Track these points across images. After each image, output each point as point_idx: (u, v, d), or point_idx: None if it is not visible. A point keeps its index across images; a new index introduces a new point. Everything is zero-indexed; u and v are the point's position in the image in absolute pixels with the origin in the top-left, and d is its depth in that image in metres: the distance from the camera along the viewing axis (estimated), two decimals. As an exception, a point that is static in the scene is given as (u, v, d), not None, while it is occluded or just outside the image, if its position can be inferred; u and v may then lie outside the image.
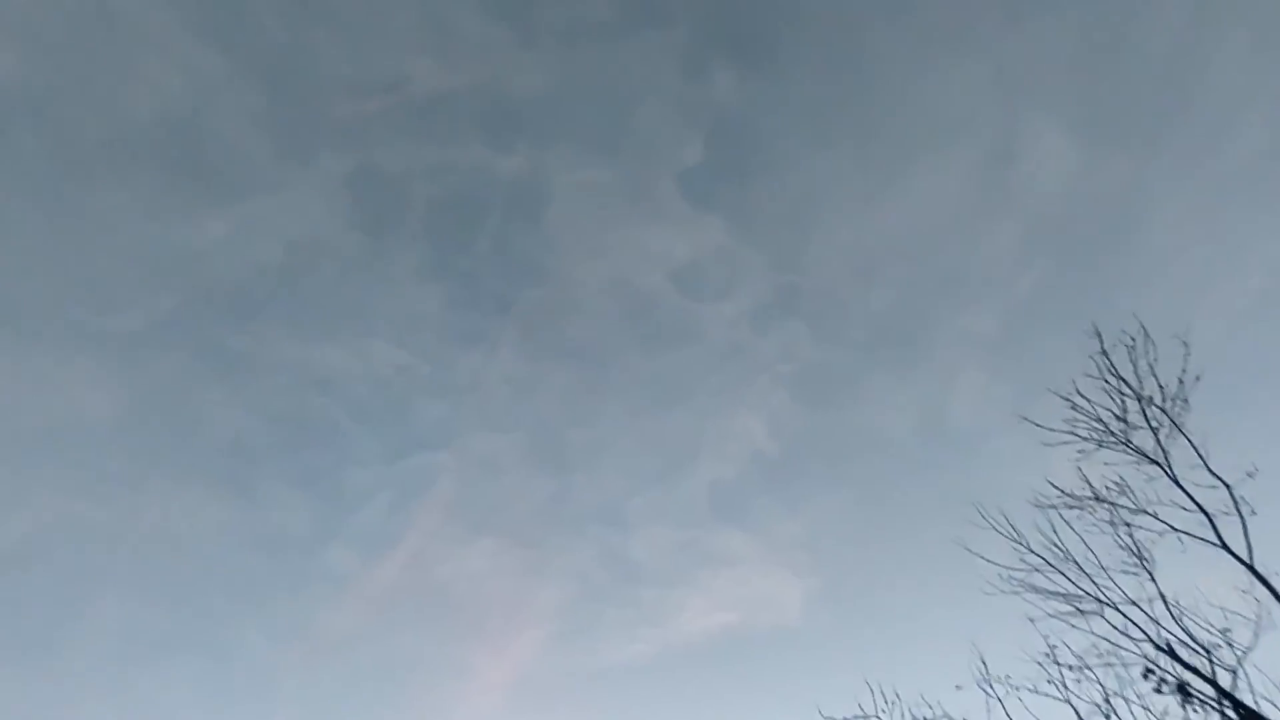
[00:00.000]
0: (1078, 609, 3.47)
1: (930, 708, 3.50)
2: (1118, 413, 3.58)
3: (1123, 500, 3.53)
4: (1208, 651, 3.25)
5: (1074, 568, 3.52)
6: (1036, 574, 3.59)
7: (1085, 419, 3.63)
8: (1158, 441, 3.47)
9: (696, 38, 7.08)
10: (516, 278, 7.10)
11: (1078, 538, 3.55)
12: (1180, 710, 3.27)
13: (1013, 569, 3.66)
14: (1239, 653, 3.23)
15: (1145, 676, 3.34)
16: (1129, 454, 3.57)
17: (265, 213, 6.42)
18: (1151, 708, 3.29)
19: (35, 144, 5.56)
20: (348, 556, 6.65)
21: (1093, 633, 3.41)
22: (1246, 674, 3.21)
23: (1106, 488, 3.56)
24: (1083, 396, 3.66)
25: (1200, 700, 3.22)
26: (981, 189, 7.91)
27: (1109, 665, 3.38)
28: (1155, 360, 3.51)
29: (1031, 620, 3.51)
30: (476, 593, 6.80)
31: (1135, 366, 3.55)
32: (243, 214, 6.39)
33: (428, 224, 6.82)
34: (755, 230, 7.49)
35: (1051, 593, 3.53)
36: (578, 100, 6.90)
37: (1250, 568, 3.25)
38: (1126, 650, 3.35)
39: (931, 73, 7.48)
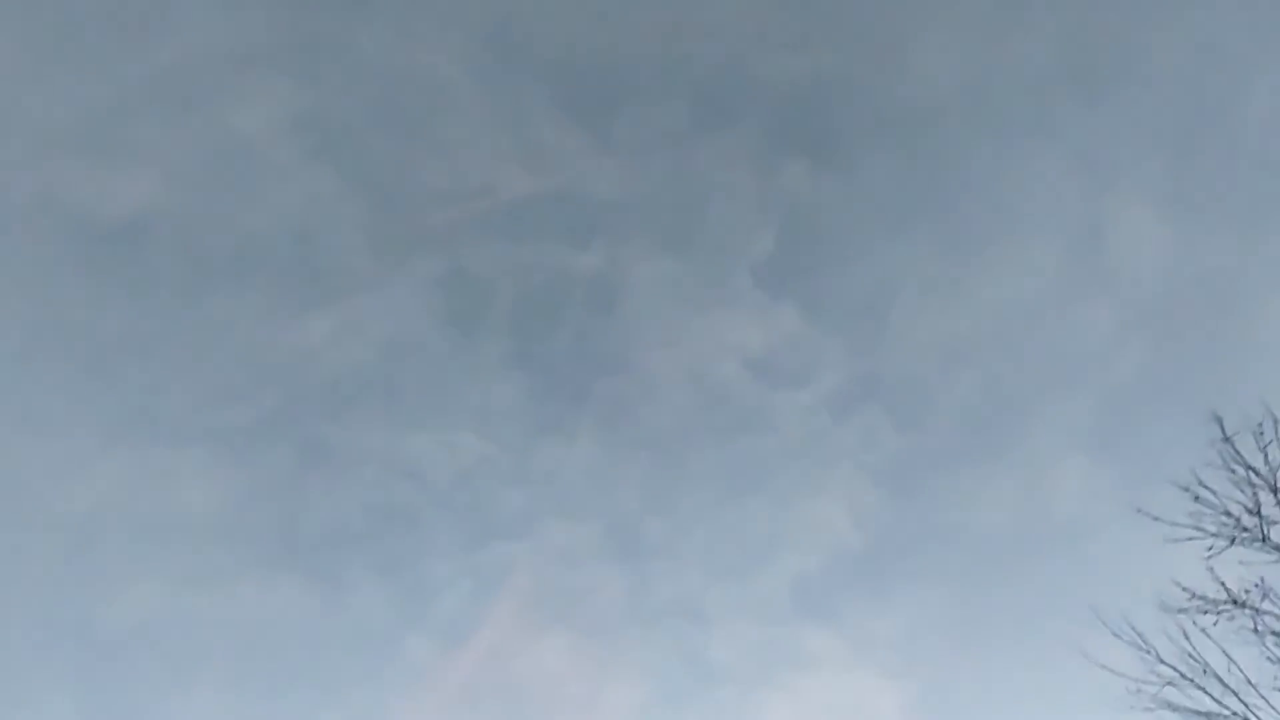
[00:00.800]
0: (1222, 730, 3.08)
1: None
2: (1249, 506, 3.23)
3: (1265, 605, 3.17)
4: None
5: (1214, 682, 3.15)
6: (1170, 688, 3.21)
7: (1212, 512, 3.27)
8: (1300, 538, 3.15)
9: (766, 135, 7.25)
10: (594, 369, 7.19)
11: (1215, 647, 3.20)
12: None
13: (1142, 681, 3.30)
14: None
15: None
16: (1268, 552, 3.24)
17: (363, 312, 6.75)
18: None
19: (169, 261, 6.06)
20: (425, 647, 6.58)
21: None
22: None
23: (1245, 590, 3.21)
24: (1206, 488, 3.32)
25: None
26: (1069, 273, 7.65)
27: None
28: (1288, 448, 3.22)
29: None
30: (551, 688, 6.57)
31: (1266, 455, 3.26)
32: (343, 314, 6.74)
33: (511, 320, 7.04)
34: (831, 318, 7.41)
35: (1190, 710, 3.15)
36: (652, 198, 7.11)
37: None
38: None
39: (1008, 157, 7.40)
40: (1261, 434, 3.19)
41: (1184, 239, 6.35)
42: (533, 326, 7.17)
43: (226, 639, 6.45)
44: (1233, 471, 3.24)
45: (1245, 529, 3.20)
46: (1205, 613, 3.18)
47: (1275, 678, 3.03)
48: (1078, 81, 7.41)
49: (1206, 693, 3.10)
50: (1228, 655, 3.11)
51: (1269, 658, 3.06)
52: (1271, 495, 3.18)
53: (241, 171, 6.00)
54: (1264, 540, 3.19)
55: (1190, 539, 3.27)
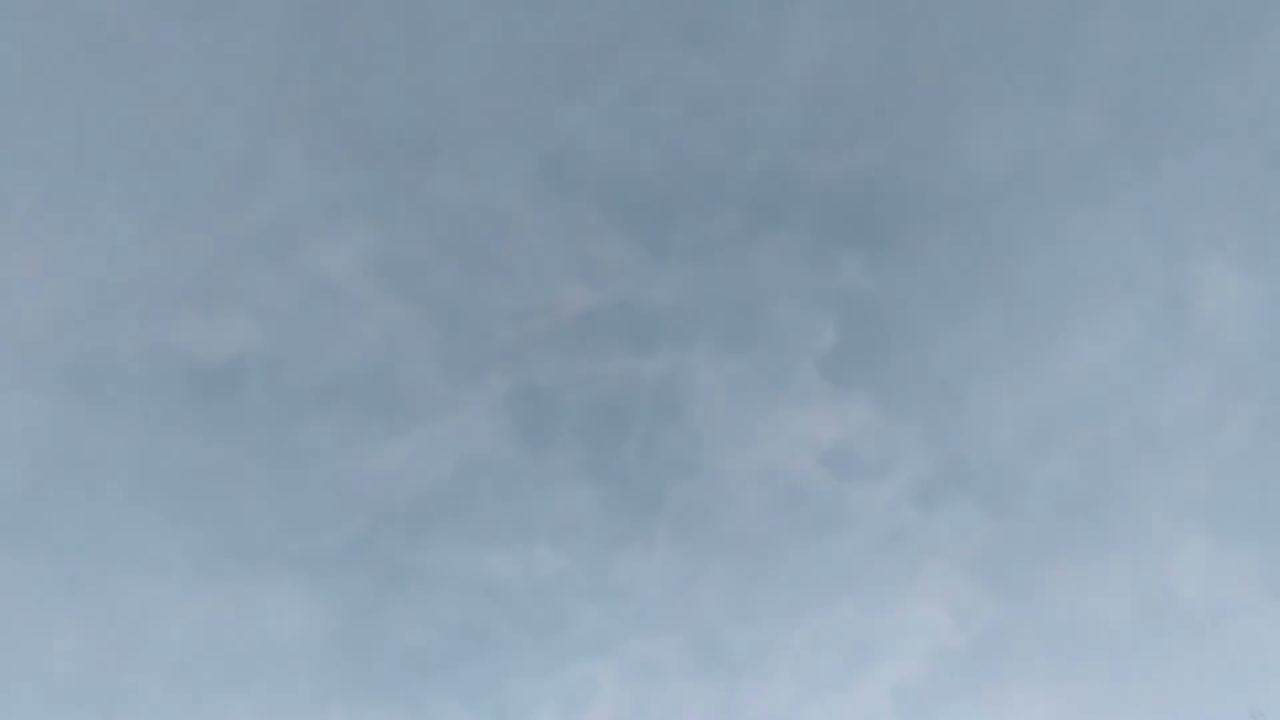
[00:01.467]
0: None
1: None
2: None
3: None
4: None
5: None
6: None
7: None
8: None
9: (820, 231, 7.37)
10: (667, 474, 7.14)
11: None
12: None
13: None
14: None
15: None
16: None
17: (439, 434, 7.00)
18: None
19: (263, 397, 6.54)
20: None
21: None
22: None
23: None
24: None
25: None
26: (1155, 339, 7.24)
27: None
28: None
29: None
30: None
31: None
32: (420, 436, 7.01)
33: (581, 431, 7.14)
34: (904, 405, 7.18)
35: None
36: (711, 301, 7.25)
37: None
38: None
39: (1072, 228, 7.23)
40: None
41: (1272, 290, 5.94)
42: (603, 436, 7.25)
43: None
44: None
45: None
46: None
47: None
48: (1133, 147, 7.29)
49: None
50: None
51: None
52: None
53: (327, 310, 6.51)
54: None
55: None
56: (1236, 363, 6.58)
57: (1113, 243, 6.90)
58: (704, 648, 7.07)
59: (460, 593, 6.97)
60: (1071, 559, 6.63)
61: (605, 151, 6.83)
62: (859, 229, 7.61)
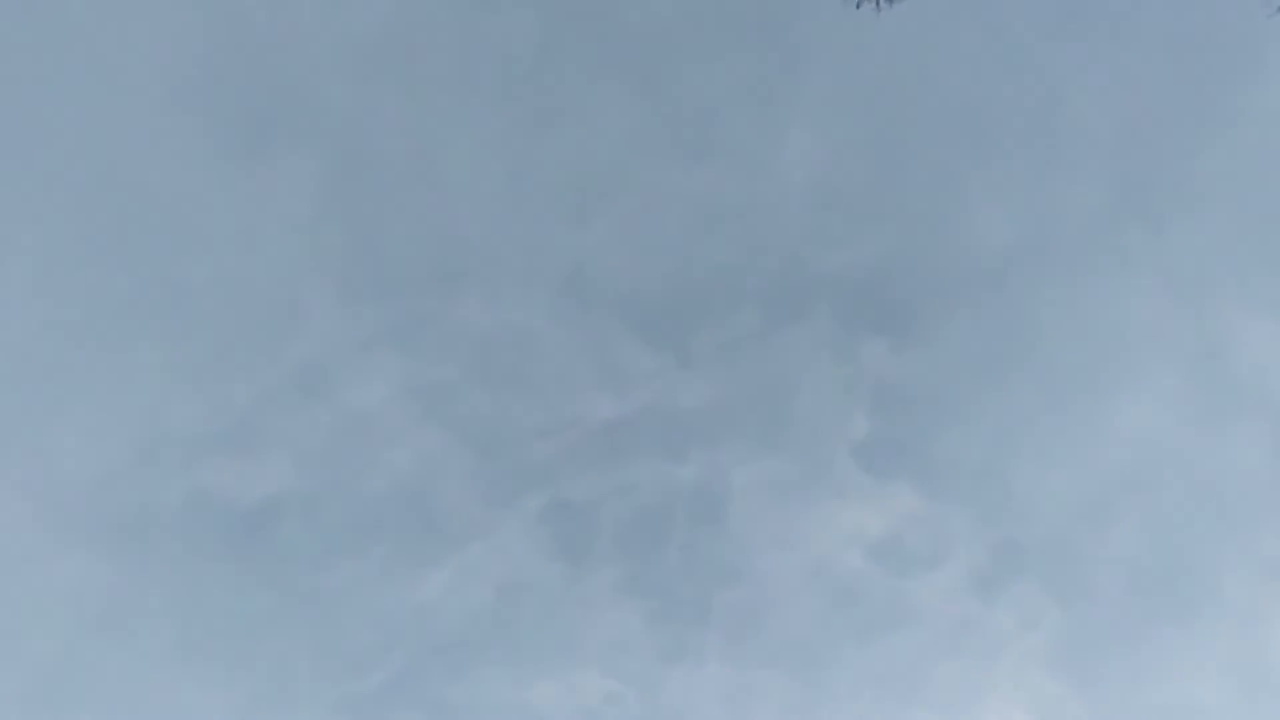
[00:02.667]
0: None
1: None
2: None
3: None
4: None
5: None
6: None
7: None
8: None
9: (839, 322, 7.38)
10: (710, 582, 6.88)
11: None
12: None
13: None
14: None
15: None
16: None
17: (477, 559, 6.87)
18: None
19: (299, 535, 6.52)
20: None
21: None
22: None
23: None
24: None
25: None
26: (1198, 396, 6.99)
27: None
28: None
29: None
30: None
31: None
32: (458, 563, 6.88)
33: (618, 543, 6.97)
34: (948, 490, 6.93)
35: None
36: (739, 402, 7.20)
37: None
38: None
39: (1094, 292, 7.15)
40: None
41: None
42: (642, 547, 7.06)
43: None
44: None
45: None
46: None
47: None
48: (1139, 209, 7.30)
49: None
50: None
51: None
52: None
53: (360, 444, 6.57)
54: None
55: None
56: (1290, 414, 6.29)
57: (1137, 305, 6.81)
58: (769, 769, 6.56)
59: (508, 727, 6.63)
60: (1154, 639, 6.16)
61: (621, 266, 7.02)
62: (878, 317, 7.63)
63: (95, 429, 5.81)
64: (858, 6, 6.08)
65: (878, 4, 6.09)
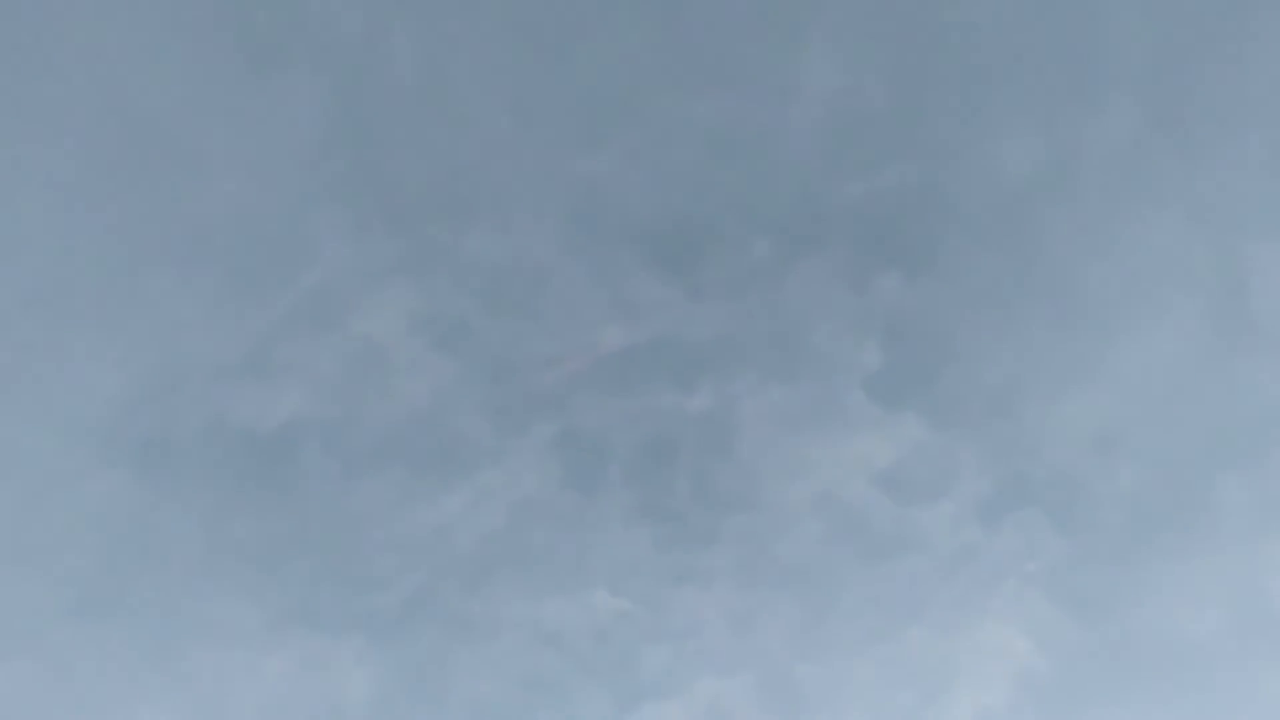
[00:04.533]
0: None
1: None
2: None
3: None
4: None
5: None
6: None
7: None
8: None
9: (854, 253, 7.23)
10: (720, 510, 6.99)
11: None
12: None
13: None
14: None
15: None
16: None
17: (490, 484, 7.00)
18: None
19: (319, 462, 6.66)
20: (590, 830, 6.14)
21: None
22: None
23: None
24: None
25: None
26: (1215, 331, 6.86)
27: None
28: None
29: None
30: None
31: None
32: (472, 488, 7.01)
33: (630, 472, 7.06)
34: (958, 423, 6.91)
35: None
36: (751, 333, 7.15)
37: None
38: None
39: (1119, 223, 6.94)
40: None
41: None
42: (652, 475, 7.17)
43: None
44: None
45: None
46: None
47: None
48: (1172, 135, 7.00)
49: None
50: None
51: None
52: None
53: (374, 373, 6.61)
54: None
55: None
56: (1309, 350, 6.18)
57: (1161, 236, 6.61)
58: (772, 685, 6.84)
59: (522, 641, 6.91)
60: (1152, 571, 6.24)
61: (632, 195, 6.86)
62: (895, 247, 7.46)
63: (114, 356, 5.88)
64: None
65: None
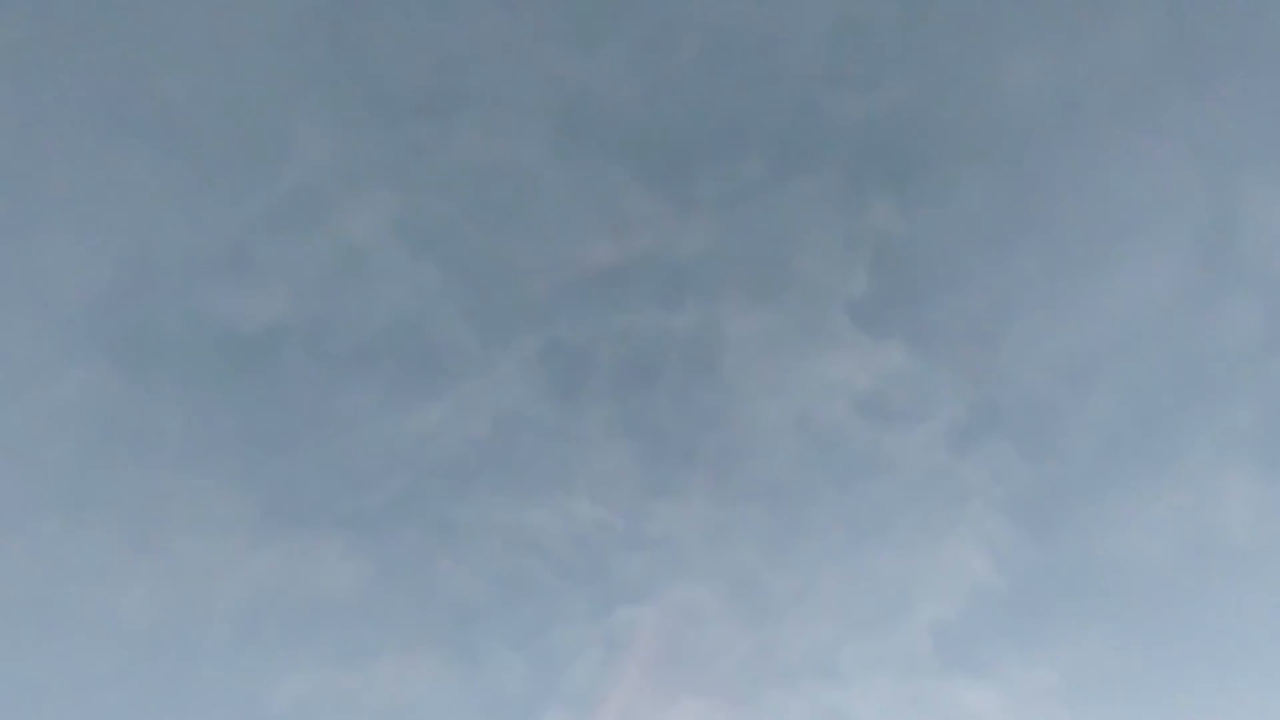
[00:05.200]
0: None
1: None
2: None
3: None
4: None
5: None
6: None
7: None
8: None
9: (848, 174, 7.09)
10: (700, 426, 7.09)
11: None
12: None
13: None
14: None
15: None
16: None
17: (475, 393, 7.03)
18: None
19: (300, 362, 6.62)
20: (562, 716, 6.49)
21: None
22: None
23: None
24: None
25: None
26: (1201, 269, 6.88)
27: None
28: None
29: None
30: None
31: None
32: (457, 396, 7.04)
33: (613, 386, 7.10)
34: (938, 350, 6.98)
35: None
36: (740, 251, 7.06)
37: None
38: None
39: (1115, 158, 6.84)
40: None
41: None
42: (635, 389, 7.21)
43: (376, 714, 6.65)
44: None
45: None
46: None
47: None
48: (1183, 64, 6.81)
49: None
50: None
51: None
52: None
53: (357, 276, 6.50)
54: None
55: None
56: (1289, 292, 6.22)
57: (1160, 168, 6.52)
58: (742, 593, 7.13)
59: (503, 545, 7.09)
60: (1112, 498, 6.46)
61: (625, 101, 6.61)
62: (890, 169, 7.31)
63: (88, 246, 5.72)
64: None
65: None
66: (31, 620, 5.63)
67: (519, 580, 7.08)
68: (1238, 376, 6.34)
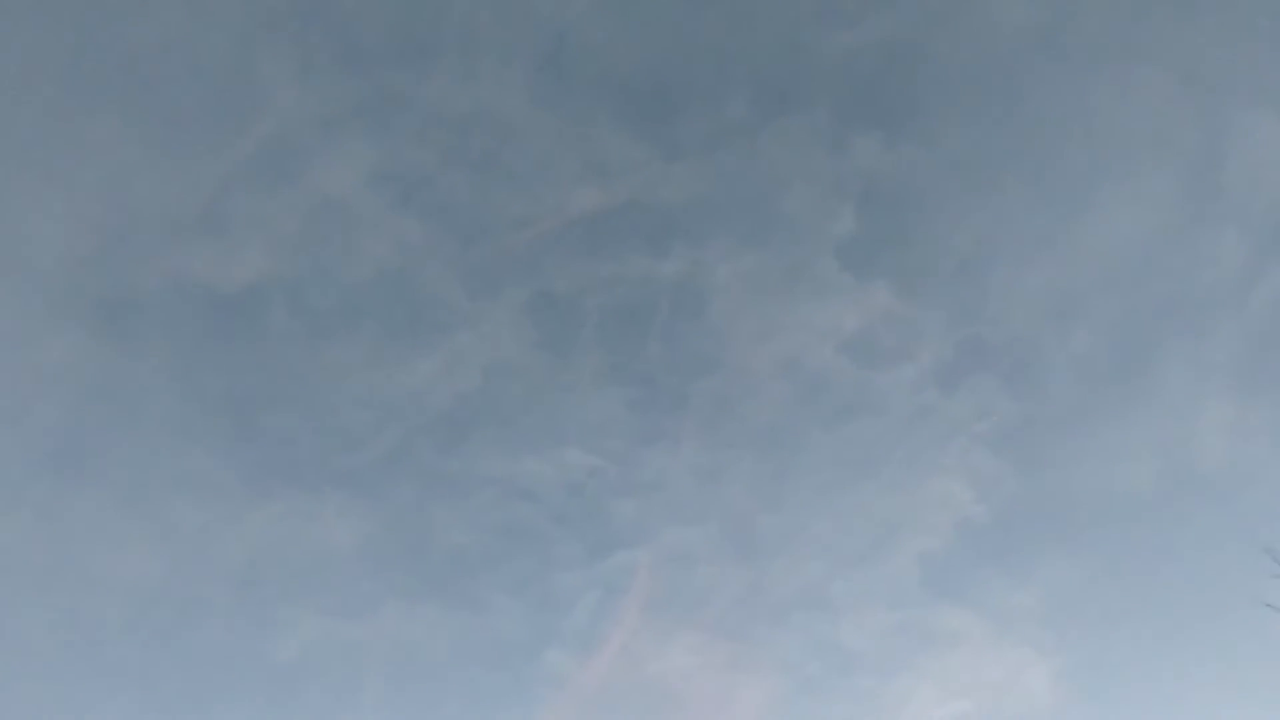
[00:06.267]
0: None
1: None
2: None
3: None
4: None
5: None
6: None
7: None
8: None
9: (833, 113, 6.93)
10: (689, 372, 7.09)
11: None
12: None
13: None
14: None
15: None
16: None
17: (463, 346, 6.96)
18: None
19: (284, 321, 6.51)
20: (563, 658, 6.67)
21: None
22: None
23: None
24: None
25: None
26: (1186, 202, 6.86)
27: None
28: None
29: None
30: (686, 689, 6.50)
31: None
32: (446, 350, 6.98)
33: (601, 334, 7.06)
34: (924, 289, 6.97)
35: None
36: (724, 195, 6.95)
37: None
38: None
39: (1108, 85, 6.71)
40: None
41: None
42: (624, 337, 7.18)
43: (380, 661, 6.80)
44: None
45: None
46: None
47: None
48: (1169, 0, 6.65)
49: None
50: None
51: None
52: None
53: (336, 230, 6.34)
54: None
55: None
56: (1269, 225, 6.24)
57: (1148, 99, 6.42)
58: (735, 533, 7.26)
59: (499, 495, 7.15)
60: (1094, 430, 6.58)
61: (606, 42, 6.38)
62: (877, 109, 7.16)
63: (65, 211, 5.52)
64: None
65: None
66: (34, 582, 5.65)
67: (515, 529, 7.17)
68: (1219, 307, 6.40)
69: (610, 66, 6.56)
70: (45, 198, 5.23)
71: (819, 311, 6.97)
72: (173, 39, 5.17)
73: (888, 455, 7.04)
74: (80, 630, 5.75)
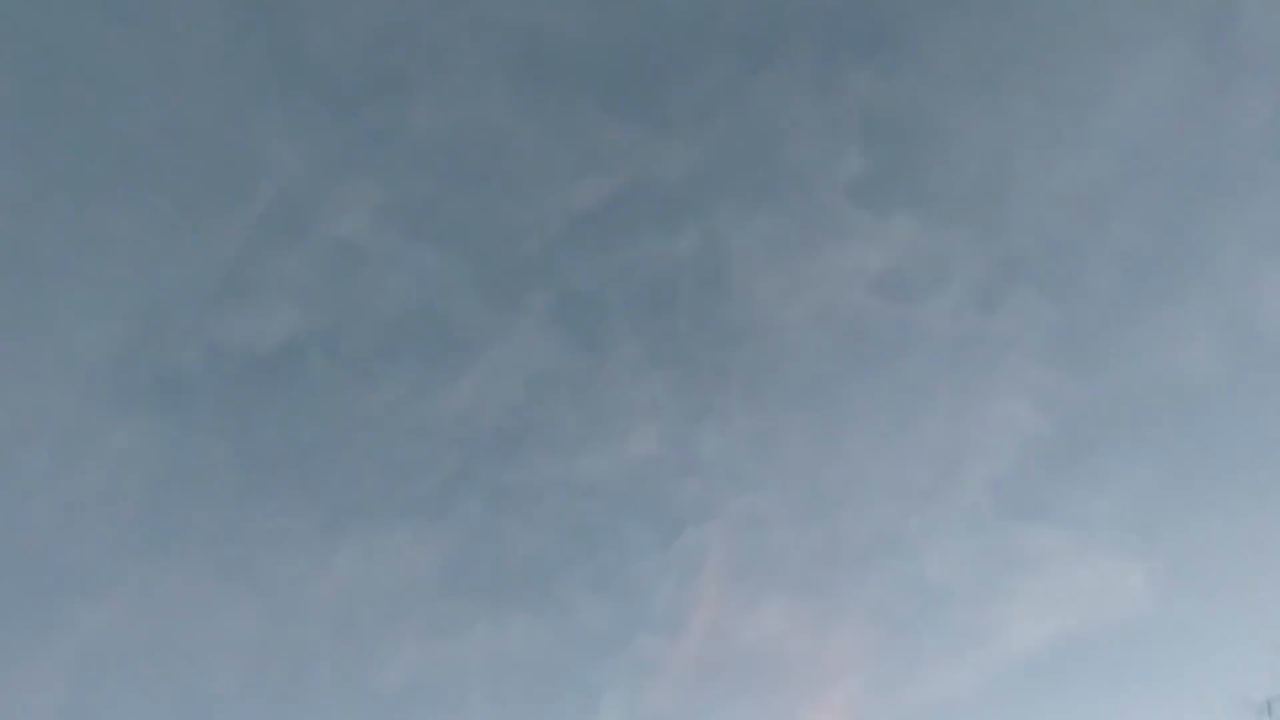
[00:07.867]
0: None
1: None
2: None
3: None
4: None
5: None
6: None
7: None
8: None
9: (823, 51, 6.75)
10: (724, 344, 7.04)
11: None
12: None
13: None
14: None
15: None
16: None
17: (500, 360, 7.04)
18: None
19: (323, 367, 6.67)
20: (654, 642, 6.74)
21: None
22: None
23: None
24: None
25: None
26: (1203, 63, 6.49)
27: None
28: None
29: None
30: (780, 652, 6.51)
31: None
32: (484, 368, 7.07)
33: (630, 323, 7.05)
34: (946, 213, 6.77)
35: None
36: (726, 161, 6.84)
37: None
38: None
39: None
40: None
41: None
42: (653, 322, 7.15)
43: (479, 674, 6.97)
44: None
45: None
46: None
47: None
48: None
49: None
50: None
51: None
52: None
53: (357, 273, 6.46)
54: None
55: None
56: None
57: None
58: (800, 492, 7.21)
59: (562, 498, 7.23)
60: (1146, 319, 6.32)
61: (577, 33, 6.32)
62: (863, 40, 6.94)
63: (101, 305, 5.73)
64: None
65: None
66: (145, 660, 5.92)
67: (584, 526, 7.25)
68: (1257, 168, 6.07)
69: (586, 55, 6.50)
70: (80, 297, 5.44)
71: (842, 256, 6.84)
72: (166, 123, 5.30)
73: (938, 387, 6.90)
74: (196, 699, 6.02)
